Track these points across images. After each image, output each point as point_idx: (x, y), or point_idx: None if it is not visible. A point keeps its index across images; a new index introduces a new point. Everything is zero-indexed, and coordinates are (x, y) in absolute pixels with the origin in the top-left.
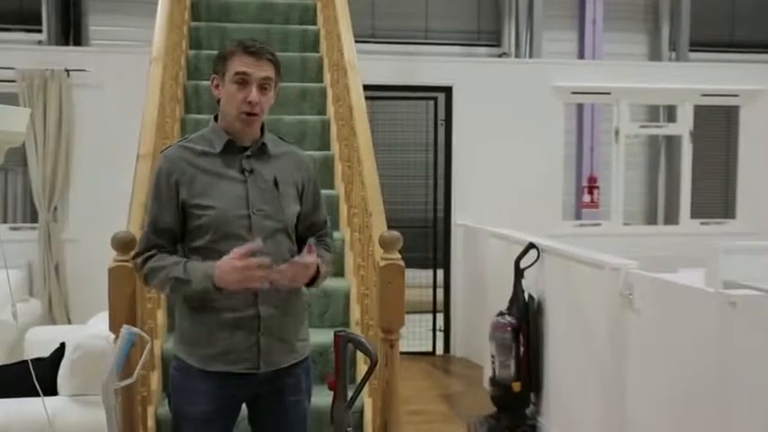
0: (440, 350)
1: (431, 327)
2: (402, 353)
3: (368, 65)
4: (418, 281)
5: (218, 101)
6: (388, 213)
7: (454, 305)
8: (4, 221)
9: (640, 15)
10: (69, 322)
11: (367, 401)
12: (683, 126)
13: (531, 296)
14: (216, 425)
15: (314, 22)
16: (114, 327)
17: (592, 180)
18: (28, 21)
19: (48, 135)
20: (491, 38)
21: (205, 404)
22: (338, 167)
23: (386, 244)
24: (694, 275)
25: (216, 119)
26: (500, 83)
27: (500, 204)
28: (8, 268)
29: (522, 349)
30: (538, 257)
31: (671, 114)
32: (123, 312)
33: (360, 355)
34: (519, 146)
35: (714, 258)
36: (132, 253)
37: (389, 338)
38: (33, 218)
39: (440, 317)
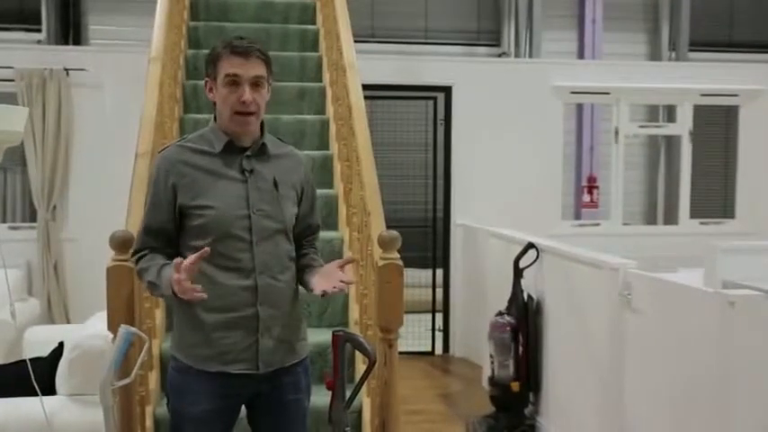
0: (439, 350)
1: (430, 326)
2: (401, 352)
3: (367, 64)
4: (417, 280)
5: (214, 103)
6: (387, 213)
7: (453, 305)
8: (3, 221)
9: (640, 15)
10: (68, 322)
11: (365, 401)
12: (682, 126)
13: (530, 296)
14: (216, 425)
15: (313, 22)
16: (112, 326)
17: (591, 180)
18: (27, 20)
19: (47, 134)
20: (491, 37)
21: (205, 404)
22: (337, 167)
23: (385, 243)
24: (693, 275)
25: (215, 119)
26: (499, 83)
27: (499, 204)
28: (7, 267)
29: (521, 349)
30: (537, 257)
31: (670, 114)
32: (121, 312)
33: (358, 355)
34: (518, 146)
35: (713, 258)
36: (130, 251)
37: (388, 338)
38: (32, 217)
39: (439, 316)
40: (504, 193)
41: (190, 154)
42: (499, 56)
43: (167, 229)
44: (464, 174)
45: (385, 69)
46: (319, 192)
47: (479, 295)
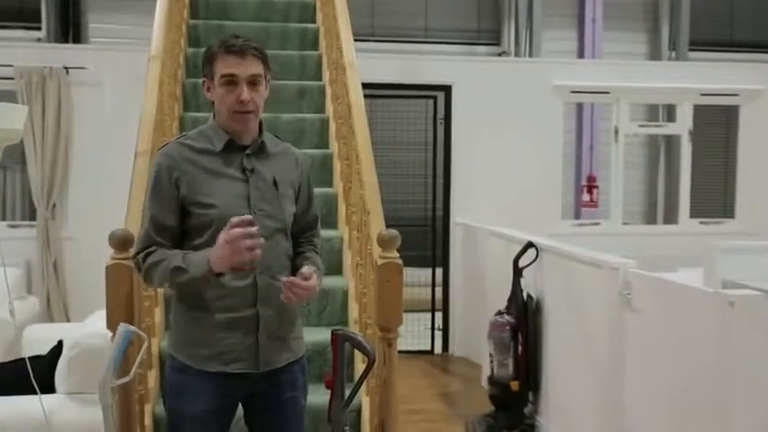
0: (438, 349)
1: (429, 325)
2: (400, 351)
3: (367, 63)
4: (417, 279)
5: (212, 102)
6: (386, 212)
7: (453, 304)
8: (3, 219)
9: (640, 15)
10: (67, 320)
11: (365, 400)
12: (682, 125)
13: (529, 295)
14: (213, 424)
15: (313, 20)
16: (111, 325)
17: (591, 179)
18: (27, 18)
19: (46, 133)
20: (491, 37)
21: (203, 403)
22: (337, 166)
23: (384, 242)
24: (693, 275)
25: (215, 117)
26: (499, 82)
27: (499, 203)
28: (6, 266)
29: (520, 348)
30: (537, 256)
31: (670, 114)
32: (120, 310)
33: (358, 354)
34: (518, 145)
35: (713, 258)
36: (132, 251)
37: (387, 337)
38: (32, 215)
39: (438, 315)
40: (503, 192)
41: (191, 152)
42: (499, 55)
43: (172, 225)
44: (464, 173)
45: (385, 68)
46: (319, 190)
47: (479, 294)
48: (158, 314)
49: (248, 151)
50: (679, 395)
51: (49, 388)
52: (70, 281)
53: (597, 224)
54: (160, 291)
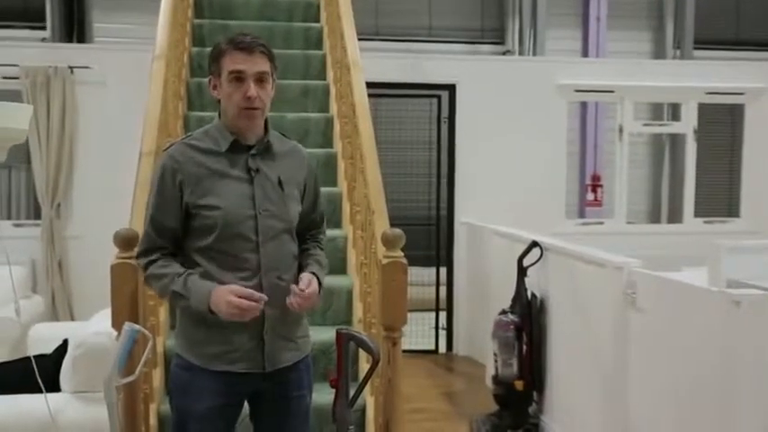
0: (442, 348)
1: (433, 325)
2: (404, 351)
3: (371, 62)
4: (421, 279)
5: (218, 101)
6: (390, 211)
7: (457, 303)
8: (8, 218)
9: (644, 13)
10: (72, 319)
11: (369, 400)
12: (687, 124)
13: (533, 294)
14: (219, 422)
15: (317, 20)
16: (117, 324)
17: (595, 178)
18: (32, 18)
19: (51, 132)
20: (495, 35)
21: (209, 401)
22: (341, 165)
23: (388, 242)
24: (698, 274)
25: (219, 116)
26: (504, 81)
27: (503, 202)
28: (11, 265)
29: (524, 348)
30: (541, 256)
31: (675, 112)
32: (126, 309)
33: (362, 353)
34: (522, 144)
35: (718, 257)
36: (135, 251)
37: (392, 336)
38: (37, 215)
39: (442, 315)
40: (507, 191)
41: (196, 153)
42: (503, 54)
43: (174, 227)
44: (468, 172)
45: (389, 67)
46: (323, 189)
47: (483, 294)
48: (163, 313)
49: (253, 151)
50: (684, 395)
51: (54, 387)
52: (75, 280)
53: (601, 223)
54: None
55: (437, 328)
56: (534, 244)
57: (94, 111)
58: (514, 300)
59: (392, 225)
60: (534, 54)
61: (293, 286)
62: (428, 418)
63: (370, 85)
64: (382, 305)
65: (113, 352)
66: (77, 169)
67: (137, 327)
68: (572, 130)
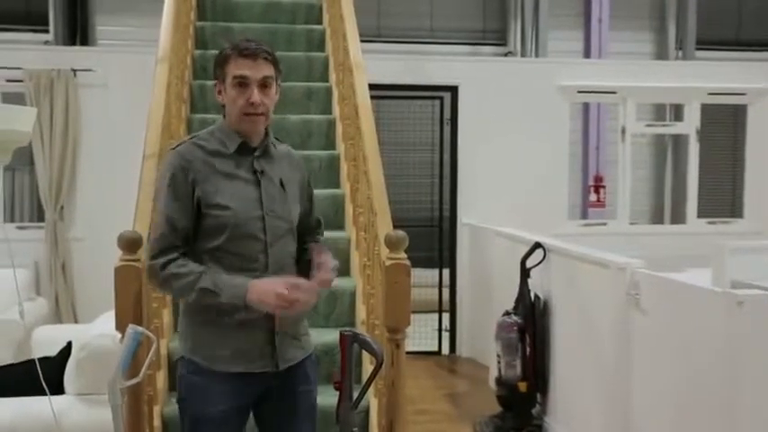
0: (445, 350)
1: (436, 326)
2: (407, 352)
3: (373, 64)
4: (424, 280)
5: (223, 105)
6: (393, 213)
7: (460, 305)
8: (12, 221)
9: (646, 14)
10: (76, 321)
11: (373, 401)
12: (689, 125)
13: (537, 296)
14: (234, 423)
15: (319, 22)
16: (120, 326)
17: (598, 179)
18: (35, 21)
19: (54, 135)
20: (497, 37)
21: (225, 404)
22: (344, 167)
23: (391, 243)
24: (701, 275)
25: (224, 118)
26: (506, 82)
27: (506, 203)
28: (15, 267)
29: (528, 349)
30: (544, 257)
31: (677, 113)
32: (129, 312)
33: (365, 355)
34: (525, 145)
35: (721, 258)
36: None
37: (395, 338)
38: (40, 217)
39: (445, 316)
40: (510, 192)
41: (204, 153)
42: (505, 55)
43: (187, 226)
44: (470, 173)
45: (391, 69)
46: (326, 191)
47: (486, 295)
48: (167, 315)
49: (257, 153)
50: (687, 395)
51: (58, 389)
52: (78, 282)
53: (604, 224)
54: None
55: (440, 329)
56: (537, 245)
57: (97, 113)
58: (517, 301)
59: (395, 227)
60: (536, 55)
61: (318, 262)
62: (431, 419)
63: (372, 86)
64: (385, 307)
65: (117, 354)
66: (80, 172)
67: (140, 329)
68: (574, 131)
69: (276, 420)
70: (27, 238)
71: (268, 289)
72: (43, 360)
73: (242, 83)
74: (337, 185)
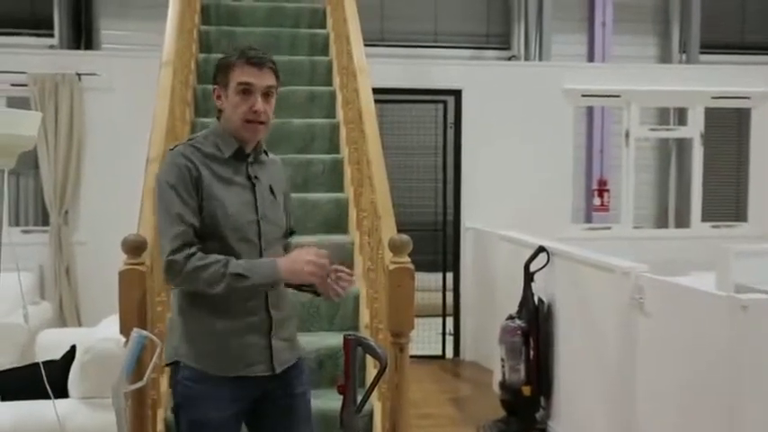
0: (449, 354)
1: (440, 330)
2: (411, 356)
3: (377, 68)
4: (427, 284)
5: (219, 110)
6: (397, 216)
7: (464, 309)
8: (16, 224)
9: (650, 17)
10: (80, 325)
11: (376, 405)
12: (693, 129)
13: (540, 300)
14: (233, 428)
15: (323, 26)
16: (125, 330)
17: (602, 183)
18: (40, 25)
19: (59, 139)
20: (500, 41)
21: (224, 409)
22: (347, 171)
23: (395, 247)
24: (705, 279)
25: (218, 120)
26: (509, 86)
27: (509, 207)
28: (20, 271)
29: (531, 353)
30: (548, 261)
31: (681, 117)
32: (133, 315)
33: (369, 359)
34: (528, 149)
35: (725, 262)
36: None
37: (399, 342)
38: (45, 221)
39: (449, 320)
40: (514, 196)
41: (201, 155)
42: (509, 59)
43: (195, 225)
44: (474, 177)
45: (395, 73)
46: (330, 195)
47: (490, 299)
48: None
49: (251, 159)
50: (690, 399)
51: (62, 393)
52: (82, 286)
53: (608, 228)
54: (172, 296)
55: (444, 333)
56: (541, 249)
57: (102, 117)
58: (521, 305)
59: (399, 230)
60: (540, 59)
61: (339, 271)
62: (435, 423)
63: (375, 90)
64: (389, 311)
65: (121, 358)
66: (85, 176)
67: (145, 333)
68: (578, 134)
69: (274, 424)
70: (31, 242)
71: (298, 259)
72: (47, 363)
73: (246, 90)
74: (341, 189)
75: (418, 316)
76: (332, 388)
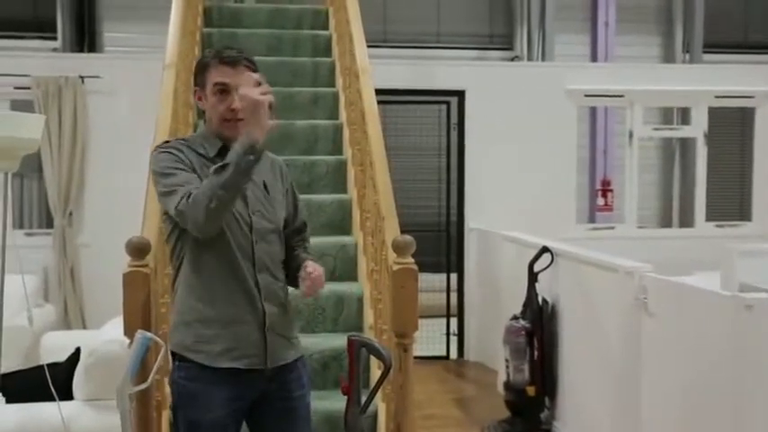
0: (453, 354)
1: (444, 331)
2: (415, 357)
3: (380, 69)
4: (431, 285)
5: (203, 111)
6: (400, 217)
7: (468, 309)
8: (20, 227)
9: (653, 17)
10: (84, 327)
11: (381, 406)
12: (697, 128)
13: (545, 300)
14: (231, 428)
15: (325, 27)
16: (129, 332)
17: (605, 183)
18: (43, 28)
19: (62, 141)
20: (503, 41)
21: (219, 409)
22: (351, 172)
23: (399, 248)
24: (710, 279)
25: (205, 123)
26: (513, 86)
27: (513, 208)
28: (24, 273)
29: (536, 353)
30: (551, 261)
31: (685, 117)
32: (137, 317)
33: (374, 360)
34: (532, 149)
35: (729, 261)
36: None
37: (403, 343)
38: (48, 223)
39: (453, 321)
40: (517, 196)
41: (194, 154)
42: (512, 59)
43: (191, 174)
44: (478, 178)
45: (398, 74)
46: (333, 196)
47: (494, 299)
48: None
49: None
50: (695, 399)
51: (66, 395)
52: (87, 288)
53: (612, 228)
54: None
55: (448, 334)
56: (545, 249)
57: (105, 120)
58: (525, 305)
59: (402, 231)
60: (543, 59)
61: (302, 271)
62: (439, 424)
63: (378, 91)
64: (393, 312)
65: (126, 360)
66: (89, 178)
67: (149, 335)
68: (582, 135)
69: (273, 426)
70: (36, 245)
71: (248, 100)
72: (52, 366)
73: (223, 90)
74: (344, 190)
75: (422, 317)
76: (336, 389)
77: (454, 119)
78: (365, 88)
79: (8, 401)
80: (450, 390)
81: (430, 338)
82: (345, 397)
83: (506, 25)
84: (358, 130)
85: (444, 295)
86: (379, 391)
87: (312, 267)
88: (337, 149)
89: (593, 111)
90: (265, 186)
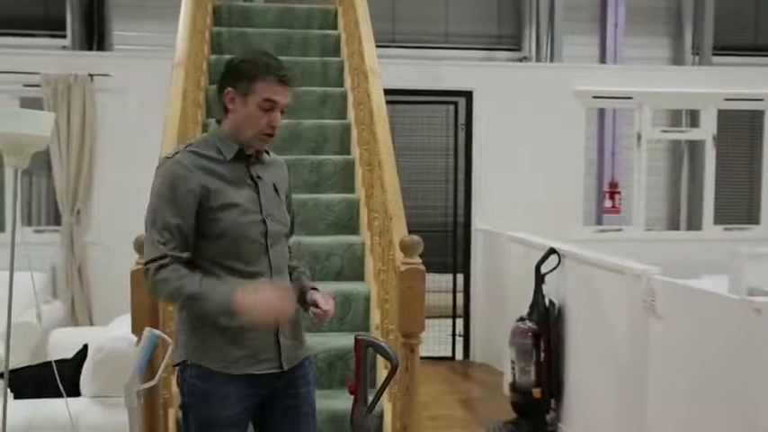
0: (459, 355)
1: (450, 331)
2: (421, 358)
3: (388, 69)
4: (438, 285)
5: (226, 109)
6: (408, 217)
7: (474, 310)
8: (29, 224)
9: (662, 19)
10: (92, 324)
11: (387, 406)
12: (706, 131)
13: (551, 302)
14: (243, 425)
15: (334, 27)
16: (137, 329)
17: (613, 185)
18: (52, 26)
19: (71, 139)
20: (512, 42)
21: (234, 407)
22: (359, 172)
23: (406, 248)
24: (718, 282)
25: (218, 122)
26: (521, 87)
27: (520, 209)
28: (32, 270)
29: (542, 355)
30: (559, 263)
31: (694, 119)
32: (145, 314)
33: (380, 360)
34: (539, 150)
35: (738, 265)
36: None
37: (410, 343)
38: (57, 221)
39: (459, 322)
40: (525, 198)
41: (203, 160)
42: (520, 60)
43: (185, 228)
44: (485, 178)
45: (406, 74)
46: (341, 196)
47: (500, 300)
48: None
49: (252, 159)
50: (703, 403)
51: (74, 391)
52: (94, 285)
53: (620, 230)
54: None
55: (454, 334)
56: (552, 251)
57: (114, 118)
58: (532, 307)
59: (409, 231)
60: (551, 60)
61: (316, 310)
62: (445, 425)
63: (386, 91)
64: (400, 312)
65: (133, 357)
66: (97, 176)
67: (157, 332)
68: (590, 136)
69: (280, 422)
70: (44, 242)
71: (259, 301)
72: (60, 362)
73: (271, 107)
74: (352, 190)
75: (429, 317)
76: (342, 388)
77: (462, 119)
78: (374, 89)
79: (16, 397)
80: (455, 391)
81: (436, 339)
82: (350, 396)
83: (515, 26)
84: (366, 130)
85: (451, 296)
86: (386, 390)
87: (326, 304)
88: (345, 149)
89: (602, 112)
90: (276, 189)
